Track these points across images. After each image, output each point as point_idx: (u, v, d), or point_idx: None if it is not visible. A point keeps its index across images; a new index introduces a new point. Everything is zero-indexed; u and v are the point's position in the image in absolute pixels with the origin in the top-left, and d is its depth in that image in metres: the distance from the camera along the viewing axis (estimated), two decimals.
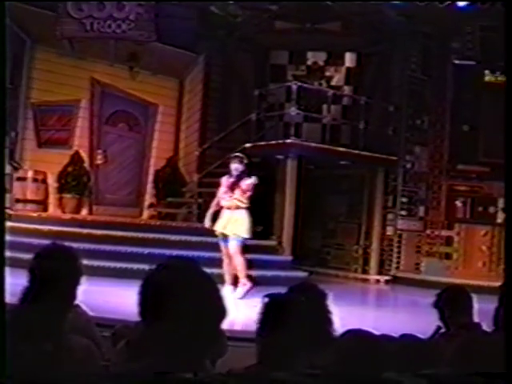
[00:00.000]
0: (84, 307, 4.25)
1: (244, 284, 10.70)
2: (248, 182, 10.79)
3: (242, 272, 10.74)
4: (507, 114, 4.84)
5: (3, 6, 3.97)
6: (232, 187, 10.80)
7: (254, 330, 3.28)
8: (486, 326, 5.11)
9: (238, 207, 10.74)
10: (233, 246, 10.67)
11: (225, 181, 11.00)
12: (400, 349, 3.96)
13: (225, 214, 10.84)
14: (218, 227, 10.84)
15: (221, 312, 2.49)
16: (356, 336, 3.34)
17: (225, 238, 10.79)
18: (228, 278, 10.72)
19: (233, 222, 10.70)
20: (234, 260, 10.69)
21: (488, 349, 3.22)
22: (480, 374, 2.75)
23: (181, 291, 2.41)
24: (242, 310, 9.12)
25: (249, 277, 10.92)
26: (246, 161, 11.01)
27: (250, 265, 11.59)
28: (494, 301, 5.18)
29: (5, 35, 4.60)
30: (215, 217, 11.05)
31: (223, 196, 10.90)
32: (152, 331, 2.44)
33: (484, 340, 4.17)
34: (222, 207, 10.96)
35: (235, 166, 10.86)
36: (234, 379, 2.57)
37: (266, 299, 3.16)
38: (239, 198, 10.75)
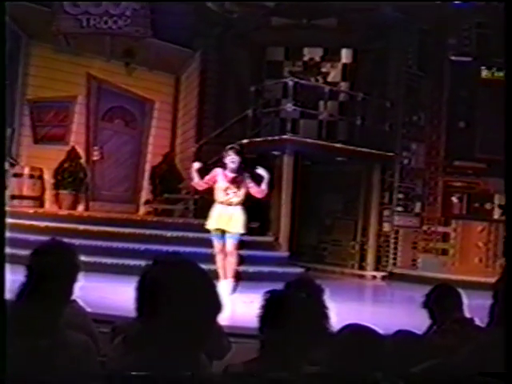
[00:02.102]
0: (81, 303, 4.26)
1: (233, 280, 10.54)
2: (252, 183, 10.50)
3: (234, 269, 10.59)
4: (507, 112, 4.84)
5: (3, 6, 3.97)
6: (237, 183, 10.47)
7: (251, 326, 3.28)
8: (482, 322, 5.12)
9: (238, 203, 10.49)
10: (232, 243, 10.45)
11: (222, 174, 10.53)
12: (397, 344, 3.98)
13: (224, 210, 10.47)
14: (217, 224, 10.50)
15: (216, 307, 2.49)
16: (355, 331, 3.34)
17: (222, 234, 10.50)
18: (223, 273, 10.48)
19: (234, 219, 10.42)
20: (231, 256, 10.48)
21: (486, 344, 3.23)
22: (480, 374, 2.76)
23: (176, 287, 2.41)
24: (238, 306, 9.14)
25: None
26: (242, 151, 10.71)
27: (248, 261, 11.61)
28: (491, 297, 5.20)
29: (4, 35, 4.60)
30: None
31: (224, 191, 10.49)
32: (148, 327, 2.44)
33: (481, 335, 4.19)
34: (216, 201, 10.59)
35: (231, 158, 10.39)
36: (232, 378, 2.58)
37: (266, 295, 3.17)
38: (242, 194, 10.50)
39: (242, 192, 10.47)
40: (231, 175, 10.46)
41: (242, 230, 10.50)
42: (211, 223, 10.57)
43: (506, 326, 3.47)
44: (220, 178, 10.54)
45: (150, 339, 2.40)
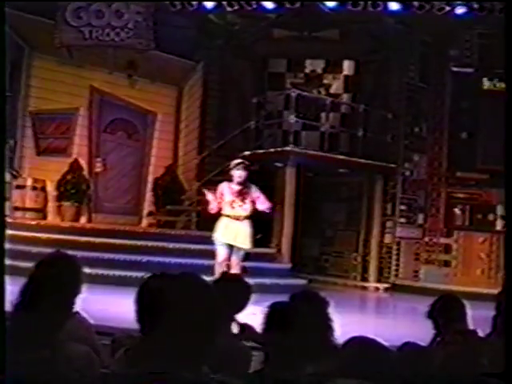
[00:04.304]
0: (84, 315, 4.25)
1: None
2: (259, 195, 10.48)
3: None
4: (507, 122, 4.85)
5: (3, 7, 3.98)
6: (242, 195, 10.41)
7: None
8: (484, 333, 5.12)
9: (246, 217, 10.40)
10: (239, 258, 10.40)
11: (228, 188, 10.49)
12: (404, 356, 3.98)
13: (231, 224, 10.39)
14: (224, 237, 10.39)
15: (216, 320, 2.50)
16: (361, 343, 3.34)
17: (230, 247, 10.39)
18: None
19: (241, 234, 10.34)
20: (235, 270, 10.22)
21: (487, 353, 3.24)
22: (480, 373, 2.77)
23: (177, 298, 2.42)
24: (240, 318, 9.12)
25: None
26: (249, 167, 10.61)
27: (250, 273, 11.58)
28: (493, 308, 5.19)
29: (4, 40, 4.61)
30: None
31: (230, 205, 10.42)
32: (150, 339, 2.44)
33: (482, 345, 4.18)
34: (221, 214, 10.48)
35: (239, 173, 10.35)
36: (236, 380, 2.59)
37: (270, 307, 3.17)
38: (249, 208, 10.43)
39: (247, 205, 10.41)
40: (237, 188, 10.41)
41: (249, 246, 10.46)
42: (218, 236, 10.46)
43: (505, 327, 3.47)
44: (226, 192, 10.48)
45: (152, 351, 2.40)
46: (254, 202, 10.44)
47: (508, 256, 5.22)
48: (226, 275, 4.75)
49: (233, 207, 10.41)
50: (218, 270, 10.11)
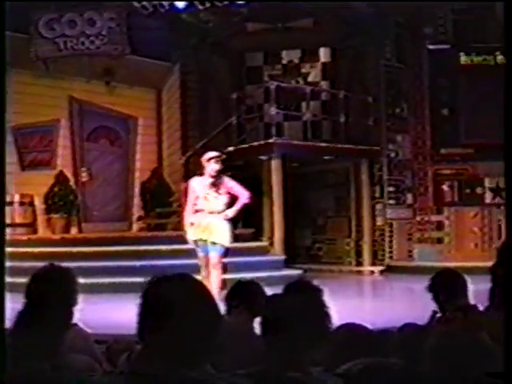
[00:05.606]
0: (81, 325, 4.26)
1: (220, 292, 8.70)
2: (233, 184, 9.80)
3: (220, 281, 9.37)
4: (507, 100, 4.88)
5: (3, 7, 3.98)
6: (216, 187, 9.61)
7: None
8: (482, 306, 5.15)
9: (221, 211, 9.57)
10: (216, 256, 9.47)
11: (199, 182, 9.76)
12: (404, 338, 4.02)
13: (206, 219, 9.57)
14: (197, 234, 9.58)
15: (217, 320, 2.52)
16: (348, 329, 3.38)
17: (204, 244, 9.54)
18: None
19: (217, 229, 9.52)
20: (214, 269, 9.43)
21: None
22: (480, 373, 2.78)
23: (179, 301, 2.43)
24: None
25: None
26: (223, 160, 9.91)
27: (244, 267, 11.58)
28: (489, 281, 5.23)
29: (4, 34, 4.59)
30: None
31: (203, 198, 9.62)
32: (153, 341, 2.45)
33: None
34: (197, 210, 9.69)
35: (212, 167, 9.64)
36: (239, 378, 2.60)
37: (265, 303, 3.19)
38: (225, 200, 9.65)
39: (223, 197, 9.66)
40: (210, 180, 9.67)
41: (227, 243, 9.59)
42: (190, 234, 9.70)
43: (505, 327, 3.49)
44: (198, 187, 9.77)
45: (157, 354, 2.41)
46: (229, 194, 9.73)
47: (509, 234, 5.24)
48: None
49: (207, 200, 9.60)
50: (203, 274, 9.38)
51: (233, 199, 9.88)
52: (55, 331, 3.36)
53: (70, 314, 3.89)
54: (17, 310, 3.51)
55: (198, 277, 2.42)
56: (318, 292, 3.92)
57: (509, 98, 4.87)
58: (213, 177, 9.65)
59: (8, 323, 3.58)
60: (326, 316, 3.00)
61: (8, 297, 4.19)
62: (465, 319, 4.78)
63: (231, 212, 9.72)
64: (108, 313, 9.09)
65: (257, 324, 3.30)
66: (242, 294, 5.09)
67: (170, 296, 2.44)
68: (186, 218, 9.92)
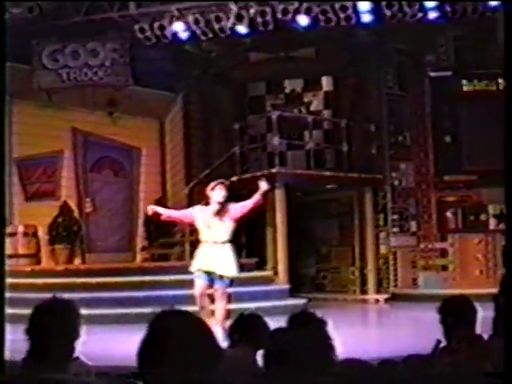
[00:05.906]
0: (84, 358, 4.23)
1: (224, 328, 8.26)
2: (237, 206, 9.58)
3: (225, 313, 9.22)
4: (507, 126, 4.88)
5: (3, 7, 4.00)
6: (220, 215, 9.43)
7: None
8: (487, 334, 5.10)
9: (226, 241, 9.44)
10: (223, 288, 9.34)
11: (201, 210, 9.69)
12: (409, 369, 3.99)
13: (211, 250, 9.42)
14: (203, 264, 9.38)
15: (216, 355, 2.52)
16: (351, 364, 3.37)
17: (208, 275, 9.31)
18: (206, 315, 8.76)
19: (223, 260, 9.36)
20: (220, 301, 9.29)
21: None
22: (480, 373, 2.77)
23: (175, 339, 2.43)
24: None
25: None
26: (229, 186, 9.85)
27: (248, 297, 11.54)
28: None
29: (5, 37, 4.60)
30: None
31: (206, 227, 9.47)
32: (154, 377, 2.45)
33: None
34: (200, 241, 9.60)
35: (218, 193, 9.48)
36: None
37: (269, 336, 3.19)
38: (229, 227, 9.50)
39: (227, 225, 9.49)
40: (215, 207, 9.49)
41: (234, 273, 9.47)
42: (196, 264, 9.48)
43: (505, 327, 3.47)
44: (199, 215, 9.64)
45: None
46: (234, 220, 9.56)
47: (507, 258, 5.23)
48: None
49: (210, 228, 9.45)
50: (198, 304, 9.16)
51: (238, 227, 9.88)
52: (57, 364, 3.34)
53: (73, 347, 3.86)
54: (18, 342, 3.50)
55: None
56: (322, 324, 3.91)
57: (509, 124, 4.87)
58: (219, 203, 9.50)
59: (10, 354, 3.56)
60: (331, 348, 2.99)
61: (11, 328, 4.17)
62: (469, 349, 4.74)
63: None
64: (111, 344, 9.04)
65: (259, 357, 3.27)
66: (245, 327, 5.09)
67: (173, 330, 2.44)
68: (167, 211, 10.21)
